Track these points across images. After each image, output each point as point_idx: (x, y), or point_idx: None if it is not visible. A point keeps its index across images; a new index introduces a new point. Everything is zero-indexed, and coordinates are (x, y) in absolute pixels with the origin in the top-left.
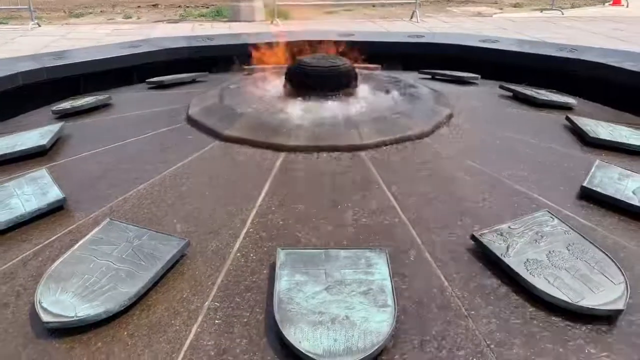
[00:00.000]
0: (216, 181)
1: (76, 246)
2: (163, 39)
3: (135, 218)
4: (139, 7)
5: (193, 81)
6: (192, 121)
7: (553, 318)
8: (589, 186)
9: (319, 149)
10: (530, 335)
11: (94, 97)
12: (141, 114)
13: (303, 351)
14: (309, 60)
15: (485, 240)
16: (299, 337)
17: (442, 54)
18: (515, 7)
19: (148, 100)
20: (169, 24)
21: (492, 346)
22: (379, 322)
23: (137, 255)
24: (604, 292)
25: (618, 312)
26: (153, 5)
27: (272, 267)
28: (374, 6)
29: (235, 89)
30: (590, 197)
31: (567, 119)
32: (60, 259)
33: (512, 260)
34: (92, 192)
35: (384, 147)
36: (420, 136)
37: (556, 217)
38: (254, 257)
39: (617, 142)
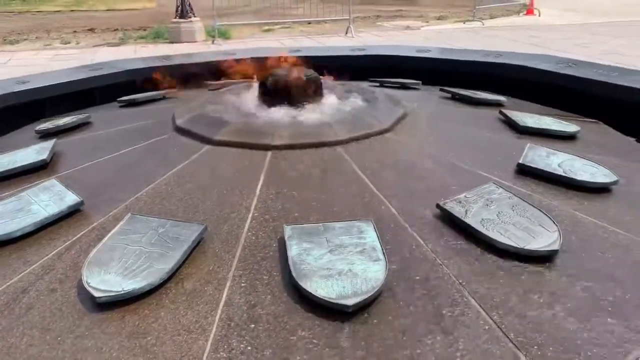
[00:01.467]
0: (216, 178)
1: (106, 237)
2: (122, 61)
3: (152, 213)
4: (74, 32)
5: (163, 98)
6: (181, 130)
7: (506, 260)
8: (523, 162)
9: (301, 146)
10: (491, 274)
11: (74, 116)
12: (126, 128)
13: (320, 297)
14: (281, 71)
15: (448, 207)
16: (315, 287)
17: (383, 64)
18: (439, 19)
19: (127, 117)
20: (110, 47)
21: (463, 284)
22: (375, 272)
23: (164, 239)
24: (542, 239)
25: (554, 252)
26: (89, 30)
27: (280, 241)
28: (309, 23)
29: (214, 102)
30: (525, 171)
31: (501, 112)
32: (96, 249)
33: (471, 221)
34: (104, 195)
35: (356, 142)
36: (384, 131)
37: (501, 187)
38: (263, 235)
39: (543, 129)
